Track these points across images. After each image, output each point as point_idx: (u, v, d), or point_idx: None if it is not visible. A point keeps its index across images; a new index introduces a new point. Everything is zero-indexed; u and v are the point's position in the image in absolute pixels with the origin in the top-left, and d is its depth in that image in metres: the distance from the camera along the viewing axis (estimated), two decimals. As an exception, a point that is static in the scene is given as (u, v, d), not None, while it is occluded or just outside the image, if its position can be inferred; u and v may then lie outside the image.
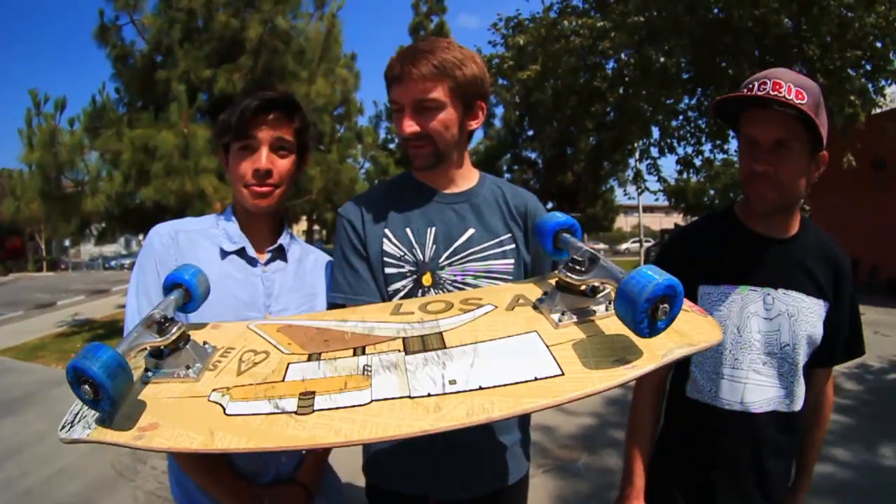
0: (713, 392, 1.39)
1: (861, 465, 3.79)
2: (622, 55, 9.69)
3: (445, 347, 0.85)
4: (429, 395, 0.76)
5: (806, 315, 1.35)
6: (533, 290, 1.03)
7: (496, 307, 0.97)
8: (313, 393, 0.79)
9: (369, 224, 1.39)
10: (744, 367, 1.36)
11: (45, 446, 4.56)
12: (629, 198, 17.81)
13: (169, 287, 1.00)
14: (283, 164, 1.35)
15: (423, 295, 1.36)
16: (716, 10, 8.33)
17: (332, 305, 1.42)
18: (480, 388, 0.75)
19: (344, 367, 0.84)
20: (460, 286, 1.36)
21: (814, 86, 1.22)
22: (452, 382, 0.77)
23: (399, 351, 0.86)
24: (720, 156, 11.71)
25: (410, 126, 1.30)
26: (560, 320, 0.88)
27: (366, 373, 0.82)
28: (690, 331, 0.82)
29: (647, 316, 0.71)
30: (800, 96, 1.18)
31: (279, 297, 1.37)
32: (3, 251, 35.34)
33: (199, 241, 1.33)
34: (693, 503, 1.45)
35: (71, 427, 0.80)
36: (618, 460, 3.93)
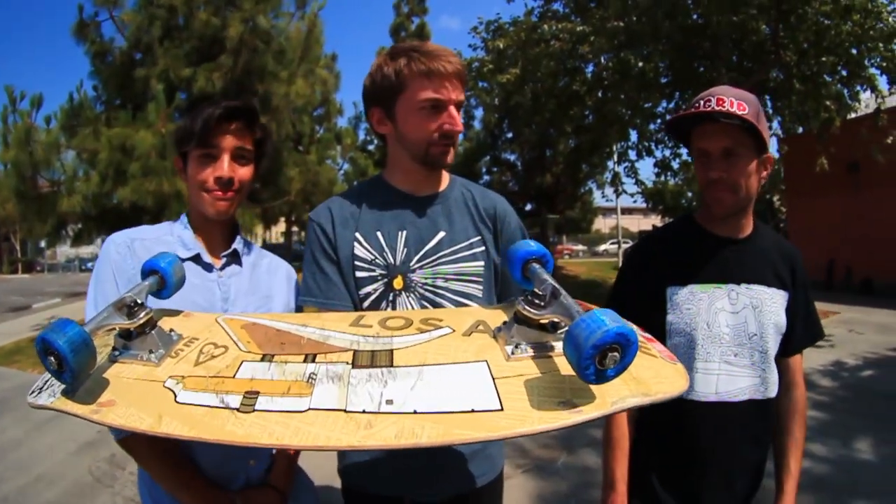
0: (689, 386, 1.44)
1: (837, 460, 3.88)
2: (601, 59, 9.79)
3: (392, 366, 0.85)
4: (364, 411, 0.76)
5: (769, 305, 1.46)
6: (497, 317, 1.01)
7: (454, 331, 0.96)
8: (258, 393, 0.81)
9: (340, 228, 1.40)
10: (715, 359, 1.44)
11: (22, 453, 4.49)
12: (607, 200, 18.01)
13: (146, 273, 1.04)
14: (243, 173, 1.37)
15: (394, 298, 1.38)
16: (695, 16, 8.47)
17: (300, 309, 1.45)
18: (415, 412, 0.75)
19: (292, 371, 0.85)
20: (431, 289, 1.38)
21: (753, 98, 1.37)
22: (389, 402, 0.77)
23: (347, 363, 0.86)
24: (696, 158, 11.89)
25: (460, 124, 1.36)
26: (513, 353, 0.86)
27: (310, 380, 0.83)
28: (651, 378, 0.81)
29: (594, 362, 0.68)
30: (741, 108, 1.32)
31: (236, 300, 1.38)
32: (-24, 253, 34.63)
33: (155, 248, 1.30)
34: (674, 494, 1.50)
35: (39, 392, 0.87)
36: (597, 459, 3.97)
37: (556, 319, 0.86)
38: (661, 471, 1.53)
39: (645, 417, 1.55)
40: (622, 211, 21.41)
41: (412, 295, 1.38)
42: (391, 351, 0.89)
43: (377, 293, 1.38)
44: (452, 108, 1.33)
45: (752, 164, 1.40)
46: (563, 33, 9.20)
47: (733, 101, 1.33)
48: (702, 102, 1.38)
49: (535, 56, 9.58)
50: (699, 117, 1.38)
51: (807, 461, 3.88)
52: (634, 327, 0.99)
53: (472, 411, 0.74)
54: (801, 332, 1.54)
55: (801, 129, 10.07)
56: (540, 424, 0.72)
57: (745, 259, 1.48)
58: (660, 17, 8.12)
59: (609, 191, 15.42)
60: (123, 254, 1.31)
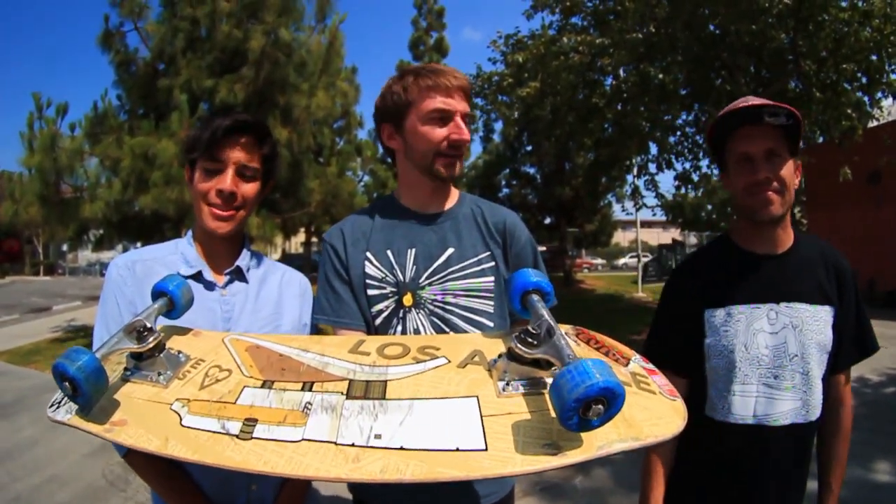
0: (726, 409, 1.44)
1: (856, 480, 3.75)
2: (621, 72, 9.76)
3: (384, 398, 0.87)
4: (353, 444, 0.78)
5: (811, 324, 1.41)
6: (495, 346, 1.01)
7: (449, 361, 0.97)
8: (256, 420, 0.85)
9: (351, 248, 1.44)
10: (753, 381, 1.41)
11: (37, 453, 4.56)
12: (627, 213, 17.81)
13: (155, 295, 1.09)
14: (248, 189, 1.36)
15: (404, 315, 1.40)
16: (712, 27, 8.41)
17: (314, 327, 1.48)
18: (402, 448, 0.77)
19: (289, 400, 0.89)
20: (441, 305, 1.39)
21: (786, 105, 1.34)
22: (378, 437, 0.79)
23: (342, 394, 0.89)
24: (717, 171, 11.77)
25: (467, 134, 1.39)
26: (504, 389, 0.86)
27: (305, 410, 0.86)
28: (644, 420, 0.79)
29: (577, 413, 0.68)
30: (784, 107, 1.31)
31: (238, 319, 1.37)
32: (0, 254, 35.31)
33: (156, 268, 1.33)
34: None
35: (58, 407, 0.92)
36: (610, 480, 3.93)
37: (549, 358, 0.85)
38: (700, 494, 1.51)
39: (688, 441, 1.50)
40: (641, 224, 21.26)
41: (422, 312, 1.40)
42: (385, 382, 0.91)
43: (388, 310, 1.41)
44: (459, 119, 1.37)
45: (790, 165, 1.38)
46: (583, 46, 9.18)
47: (768, 102, 1.32)
48: (740, 105, 1.36)
49: (555, 69, 9.56)
50: (741, 119, 1.36)
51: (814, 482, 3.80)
52: (637, 360, 1.00)
53: (457, 450, 0.77)
54: (849, 347, 1.49)
55: (821, 139, 9.95)
56: (522, 467, 0.73)
57: (786, 276, 1.43)
58: (678, 27, 8.09)
59: (629, 204, 15.35)
60: (125, 276, 1.32)
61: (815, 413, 1.43)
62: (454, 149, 1.38)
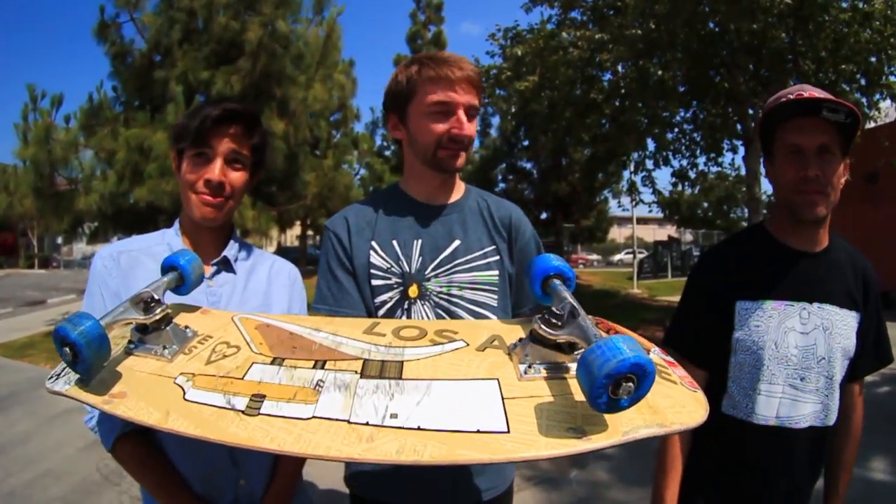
0: (749, 408, 1.39)
1: (853, 478, 3.77)
2: (619, 68, 9.76)
3: (401, 378, 0.84)
4: (367, 423, 0.75)
5: (840, 328, 1.38)
6: (514, 332, 0.98)
7: (467, 345, 0.95)
8: (264, 396, 0.82)
9: (356, 236, 1.42)
10: (780, 381, 1.37)
11: (31, 447, 4.53)
12: (623, 209, 17.85)
13: (165, 269, 1.07)
14: (236, 178, 1.33)
15: (409, 306, 1.38)
16: (712, 25, 8.41)
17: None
18: (419, 429, 0.74)
19: (300, 377, 0.85)
20: (446, 297, 1.38)
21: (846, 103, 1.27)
22: (394, 416, 0.76)
23: (356, 372, 0.85)
24: (714, 168, 11.82)
25: (471, 128, 1.36)
26: (525, 372, 0.84)
27: (317, 388, 0.82)
28: (668, 408, 0.77)
29: (606, 391, 0.66)
30: (844, 103, 1.23)
31: (226, 310, 1.33)
32: (-5, 247, 35.15)
33: (142, 259, 1.30)
34: None
35: (57, 379, 0.89)
36: (607, 474, 3.94)
37: (573, 340, 0.83)
38: (714, 493, 1.49)
39: (703, 438, 1.47)
40: (638, 221, 21.24)
41: (427, 303, 1.38)
42: (402, 362, 0.88)
43: (393, 301, 1.39)
44: (461, 112, 1.34)
45: (841, 167, 1.32)
46: (581, 41, 9.17)
47: (826, 95, 1.26)
48: (794, 95, 1.30)
49: (553, 64, 9.56)
50: (798, 109, 1.29)
51: (820, 479, 3.81)
52: (655, 352, 0.96)
53: (478, 432, 0.73)
54: (868, 356, 1.47)
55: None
56: (547, 450, 0.70)
57: (820, 276, 1.39)
58: (678, 24, 8.08)
59: (625, 200, 15.39)
60: (109, 267, 1.29)
61: (833, 418, 1.41)
62: (455, 143, 1.35)
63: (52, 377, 0.91)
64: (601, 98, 10.20)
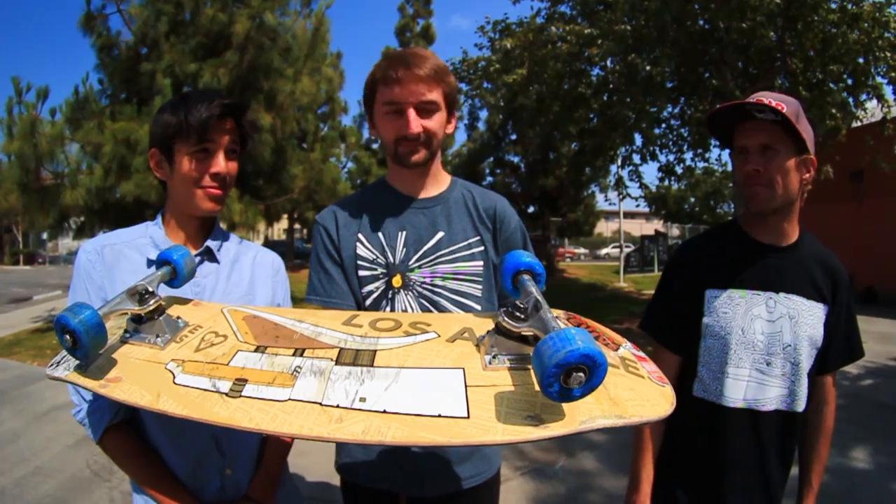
0: (718, 390, 1.49)
1: (835, 468, 3.85)
2: (608, 63, 9.78)
3: (372, 366, 0.88)
4: (337, 405, 0.80)
5: (806, 318, 1.47)
6: (485, 325, 1.00)
7: (439, 336, 0.98)
8: (246, 380, 0.87)
9: (343, 229, 1.48)
10: (747, 365, 1.47)
11: (20, 445, 4.49)
12: (610, 203, 17.99)
13: (160, 263, 1.12)
14: (232, 167, 1.36)
15: (393, 296, 1.43)
16: (702, 22, 8.46)
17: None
18: (384, 412, 0.78)
19: (280, 364, 0.90)
20: (429, 287, 1.43)
21: (793, 100, 1.40)
22: (362, 400, 0.80)
23: (331, 360, 0.90)
24: (701, 164, 11.91)
25: (418, 125, 1.37)
26: (490, 363, 0.87)
27: (294, 373, 0.87)
28: (629, 400, 0.79)
29: (558, 380, 0.68)
30: (780, 107, 1.36)
31: (210, 301, 1.35)
32: (-22, 243, 34.73)
33: (126, 252, 1.32)
34: (698, 500, 1.55)
35: (56, 366, 0.97)
36: (595, 463, 3.99)
37: (535, 333, 0.85)
38: (687, 475, 1.56)
39: (676, 420, 1.55)
40: (625, 215, 21.37)
41: (411, 293, 1.43)
42: (375, 351, 0.93)
43: (378, 291, 1.44)
44: (410, 111, 1.36)
45: (789, 162, 1.41)
46: (571, 35, 9.19)
47: (772, 101, 1.37)
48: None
49: (542, 57, 9.59)
50: (738, 115, 1.43)
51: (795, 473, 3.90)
52: (627, 346, 1.00)
53: (440, 416, 0.76)
54: (838, 349, 1.54)
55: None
56: (503, 436, 0.73)
57: (787, 268, 1.49)
58: (668, 21, 8.12)
59: (612, 194, 15.44)
60: (93, 261, 1.30)
61: (800, 405, 1.49)
62: (408, 141, 1.39)
63: (51, 364, 0.98)
64: (589, 92, 10.23)
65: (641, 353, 1.01)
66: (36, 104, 7.73)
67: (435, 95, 1.37)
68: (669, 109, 10.84)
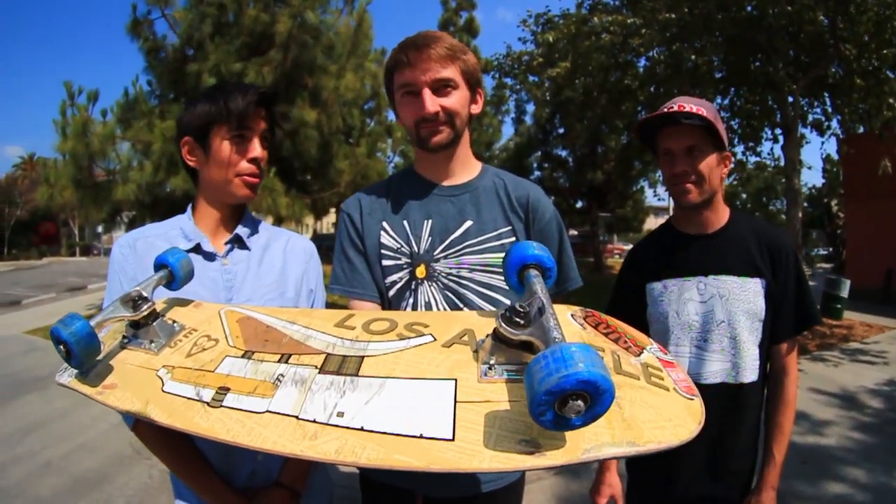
0: None
1: (879, 487, 3.60)
2: (653, 53, 9.53)
3: (357, 375, 0.81)
4: (314, 420, 0.75)
5: (738, 294, 1.57)
6: (487, 326, 0.87)
7: (435, 339, 0.88)
8: (228, 389, 0.85)
9: (367, 217, 1.43)
10: (686, 344, 1.59)
11: (67, 423, 4.72)
12: (659, 199, 17.59)
13: (157, 267, 1.11)
14: (265, 155, 1.39)
15: (416, 287, 1.38)
16: (749, 8, 8.08)
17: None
18: (361, 429, 0.72)
19: (263, 371, 0.87)
20: (455, 279, 1.36)
21: (710, 104, 1.55)
22: (340, 415, 0.74)
23: (315, 367, 0.85)
24: (753, 158, 11.46)
25: (434, 104, 1.31)
26: (486, 374, 0.77)
27: (276, 382, 0.84)
28: (647, 421, 0.69)
29: (551, 408, 0.57)
30: (700, 111, 1.48)
31: (241, 288, 1.36)
32: (38, 236, 36.52)
33: (157, 244, 1.33)
34: (655, 478, 1.67)
35: (63, 372, 0.99)
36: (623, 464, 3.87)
37: (535, 342, 0.74)
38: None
39: None
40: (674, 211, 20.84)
41: (435, 285, 1.37)
42: (362, 358, 0.86)
43: (402, 282, 1.39)
44: (426, 91, 1.32)
45: (712, 159, 1.54)
46: (614, 26, 8.97)
47: (693, 106, 1.50)
48: (666, 109, 1.54)
49: (586, 49, 9.38)
50: (664, 121, 1.54)
51: (846, 486, 3.67)
52: (653, 349, 0.91)
53: (421, 437, 0.69)
54: (787, 318, 1.59)
55: (861, 129, 9.54)
56: (489, 464, 0.65)
57: (714, 252, 1.61)
58: (712, 8, 7.82)
59: (661, 189, 15.08)
60: (126, 254, 1.34)
61: (747, 376, 1.56)
62: (427, 121, 1.33)
63: (60, 371, 1.00)
64: (636, 85, 9.99)
65: (669, 358, 0.92)
66: (87, 106, 8.06)
67: (450, 73, 1.32)
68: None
